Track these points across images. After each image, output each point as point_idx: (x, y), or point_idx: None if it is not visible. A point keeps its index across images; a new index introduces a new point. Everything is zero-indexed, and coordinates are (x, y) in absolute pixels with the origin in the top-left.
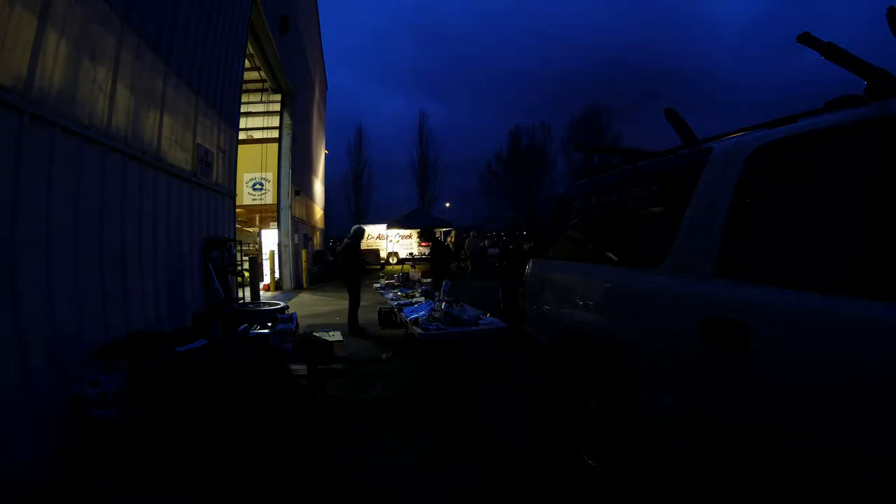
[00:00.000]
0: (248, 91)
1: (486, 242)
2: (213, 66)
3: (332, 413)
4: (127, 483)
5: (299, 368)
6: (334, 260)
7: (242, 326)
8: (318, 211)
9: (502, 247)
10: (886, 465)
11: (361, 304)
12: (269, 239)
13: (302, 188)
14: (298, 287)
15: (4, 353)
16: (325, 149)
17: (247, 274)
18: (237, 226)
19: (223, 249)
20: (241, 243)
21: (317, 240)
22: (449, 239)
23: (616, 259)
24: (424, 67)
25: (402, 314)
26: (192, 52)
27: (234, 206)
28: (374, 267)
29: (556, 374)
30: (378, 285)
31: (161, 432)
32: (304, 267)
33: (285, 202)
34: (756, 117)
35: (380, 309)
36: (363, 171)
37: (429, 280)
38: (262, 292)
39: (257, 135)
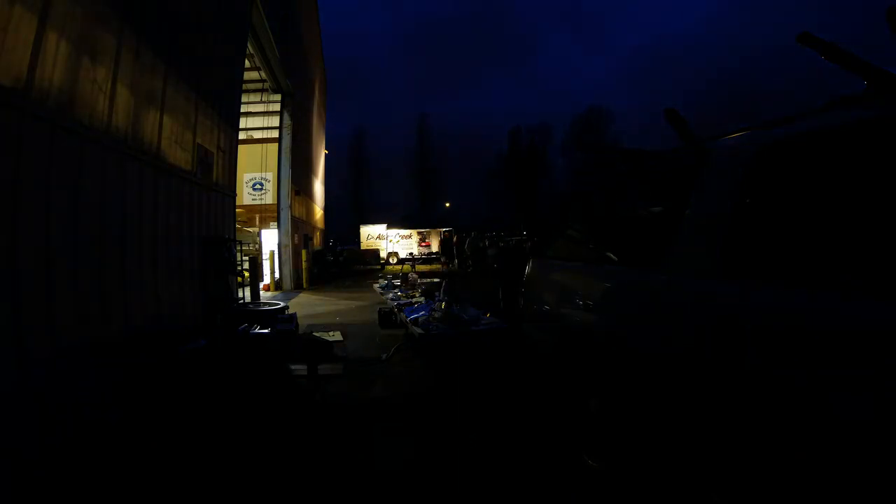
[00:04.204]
0: (248, 91)
1: (487, 242)
2: (213, 66)
3: (332, 413)
4: (126, 483)
5: (299, 368)
6: (334, 260)
7: (242, 326)
8: (318, 211)
9: (496, 246)
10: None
11: (361, 304)
12: (269, 239)
13: (302, 188)
14: (298, 287)
15: (4, 352)
16: (325, 149)
17: (247, 274)
18: (237, 226)
19: (223, 249)
20: (241, 243)
21: (317, 240)
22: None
23: (616, 259)
24: (425, 66)
25: (402, 314)
26: (192, 52)
27: (234, 206)
28: (375, 267)
29: (555, 374)
30: (378, 285)
31: (161, 432)
32: (304, 267)
33: (285, 202)
34: None
35: (380, 309)
36: (363, 171)
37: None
38: (262, 292)
39: (257, 135)
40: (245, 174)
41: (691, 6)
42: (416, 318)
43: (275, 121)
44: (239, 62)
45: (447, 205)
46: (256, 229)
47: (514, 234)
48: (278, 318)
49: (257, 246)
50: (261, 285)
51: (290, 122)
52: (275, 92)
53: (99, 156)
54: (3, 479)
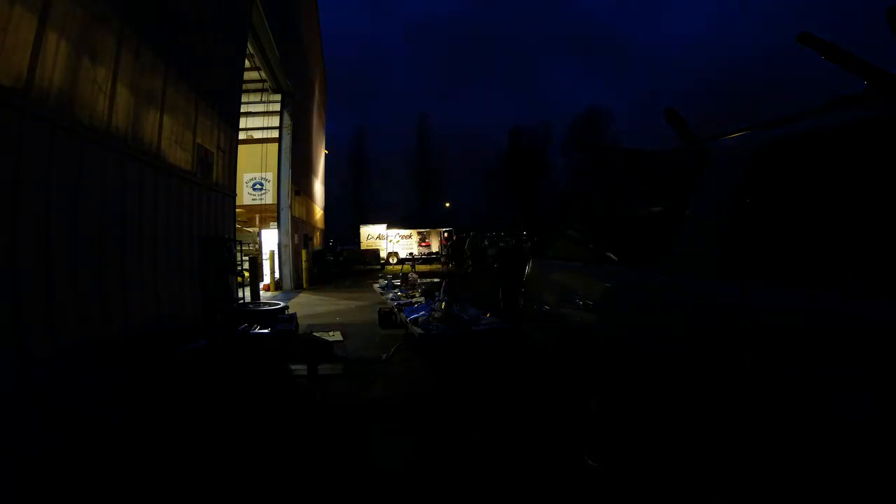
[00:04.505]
0: (248, 91)
1: (487, 242)
2: (213, 66)
3: (332, 413)
4: (126, 482)
5: (299, 368)
6: (334, 260)
7: (242, 326)
8: (318, 211)
9: (496, 246)
10: None
11: (361, 304)
12: (269, 239)
13: (302, 188)
14: (298, 287)
15: (4, 352)
16: (325, 149)
17: (247, 274)
18: (237, 226)
19: (223, 249)
20: (241, 243)
21: (317, 240)
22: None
23: (616, 259)
24: (425, 66)
25: (402, 314)
26: (192, 52)
27: (234, 206)
28: (375, 267)
29: (555, 374)
30: (378, 285)
31: (161, 432)
32: (304, 267)
33: (285, 202)
34: None
35: (380, 309)
36: (363, 171)
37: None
38: (262, 292)
39: (257, 135)
40: (245, 174)
41: (692, 7)
42: (416, 318)
43: (275, 121)
44: (239, 62)
45: (447, 205)
46: (256, 229)
47: (514, 234)
48: (278, 318)
49: (257, 246)
50: (261, 285)
51: (290, 122)
52: (275, 92)
53: (99, 156)
54: (3, 479)
